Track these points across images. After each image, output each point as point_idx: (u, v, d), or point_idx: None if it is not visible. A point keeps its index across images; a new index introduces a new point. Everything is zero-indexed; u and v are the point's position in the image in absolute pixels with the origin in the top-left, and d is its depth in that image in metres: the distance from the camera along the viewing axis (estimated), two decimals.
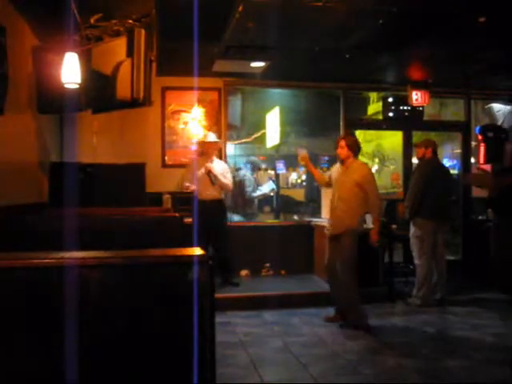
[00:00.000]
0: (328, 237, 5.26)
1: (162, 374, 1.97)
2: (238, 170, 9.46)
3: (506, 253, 6.32)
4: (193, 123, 7.21)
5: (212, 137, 6.54)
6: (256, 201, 9.70)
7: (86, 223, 3.33)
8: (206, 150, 6.50)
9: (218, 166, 6.50)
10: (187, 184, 6.35)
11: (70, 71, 3.85)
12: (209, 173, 6.37)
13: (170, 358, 1.97)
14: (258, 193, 9.57)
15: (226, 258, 6.43)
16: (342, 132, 7.65)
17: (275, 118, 8.19)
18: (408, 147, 7.93)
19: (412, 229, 6.09)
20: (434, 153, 6.18)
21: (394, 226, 6.89)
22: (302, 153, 5.40)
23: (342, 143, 5.22)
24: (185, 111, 7.20)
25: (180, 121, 7.19)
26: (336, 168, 5.41)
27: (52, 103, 4.54)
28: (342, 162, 5.27)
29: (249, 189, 9.42)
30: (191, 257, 2.06)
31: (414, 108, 7.75)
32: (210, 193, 6.39)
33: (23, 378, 1.85)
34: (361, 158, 9.04)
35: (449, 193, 6.24)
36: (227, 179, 6.53)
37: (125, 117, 6.25)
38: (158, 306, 1.98)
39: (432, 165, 6.15)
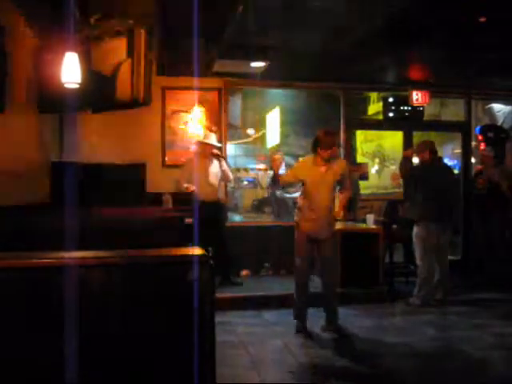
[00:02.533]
0: (310, 239, 4.98)
1: (162, 374, 1.96)
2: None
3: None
4: (193, 123, 7.21)
5: (213, 139, 6.53)
6: (290, 201, 9.63)
7: (87, 223, 3.33)
8: (204, 151, 6.50)
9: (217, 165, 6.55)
10: (186, 185, 6.35)
11: (70, 71, 3.85)
12: (217, 156, 6.49)
13: (171, 357, 1.97)
14: (293, 194, 9.24)
15: (226, 258, 6.44)
16: (342, 132, 7.65)
17: (275, 118, 8.19)
18: (408, 147, 7.93)
19: (415, 229, 6.07)
20: (433, 153, 6.11)
21: (394, 227, 6.89)
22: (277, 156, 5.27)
23: (329, 151, 4.89)
24: (185, 111, 7.19)
25: (180, 121, 7.18)
26: (310, 169, 4.97)
27: (52, 103, 4.54)
28: (328, 161, 4.92)
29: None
30: (191, 257, 2.06)
31: (414, 108, 7.75)
32: (209, 193, 6.39)
33: (23, 377, 1.84)
34: (361, 158, 9.09)
35: (452, 193, 6.22)
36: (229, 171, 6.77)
37: (125, 117, 6.23)
38: (158, 305, 1.98)
39: (432, 167, 6.08)
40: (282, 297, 6.03)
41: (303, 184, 5.03)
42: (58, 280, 1.84)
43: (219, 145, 6.71)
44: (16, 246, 2.15)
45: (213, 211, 6.35)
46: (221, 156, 6.58)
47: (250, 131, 10.39)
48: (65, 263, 1.91)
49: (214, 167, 6.51)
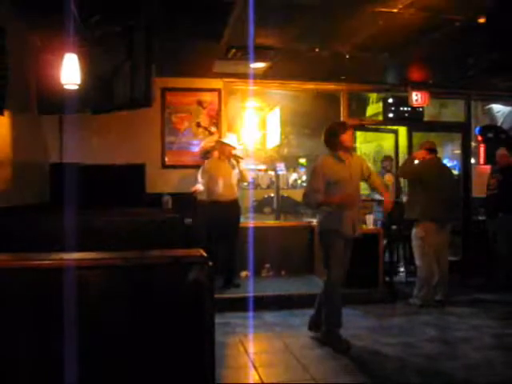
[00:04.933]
0: (349, 239, 4.70)
1: (161, 375, 1.96)
2: None
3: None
4: (193, 124, 7.21)
5: (232, 140, 6.52)
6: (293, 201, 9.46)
7: (86, 224, 3.33)
8: (223, 151, 6.48)
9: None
10: (199, 185, 6.35)
11: (70, 72, 3.85)
12: (235, 157, 6.47)
13: (170, 359, 1.97)
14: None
15: (232, 260, 6.45)
16: None
17: (276, 119, 8.19)
18: (408, 148, 7.92)
19: (414, 229, 6.07)
20: (431, 152, 6.12)
21: (393, 227, 6.88)
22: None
23: (351, 132, 4.71)
24: (185, 112, 7.19)
25: (180, 122, 7.18)
26: (331, 165, 4.64)
27: (52, 104, 4.55)
28: (343, 156, 4.65)
29: None
30: (191, 258, 2.06)
31: (414, 109, 7.74)
32: (228, 194, 6.40)
33: (23, 378, 1.85)
34: None
35: (451, 193, 6.22)
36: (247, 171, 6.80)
37: (125, 118, 6.24)
38: (157, 307, 1.98)
39: (431, 166, 6.09)
40: (282, 297, 6.03)
41: (329, 183, 4.58)
42: (58, 281, 1.84)
43: (239, 146, 6.70)
44: (15, 247, 2.16)
45: (231, 212, 6.37)
46: (238, 157, 6.55)
47: (250, 132, 10.35)
48: (64, 264, 1.91)
49: (233, 168, 6.52)
